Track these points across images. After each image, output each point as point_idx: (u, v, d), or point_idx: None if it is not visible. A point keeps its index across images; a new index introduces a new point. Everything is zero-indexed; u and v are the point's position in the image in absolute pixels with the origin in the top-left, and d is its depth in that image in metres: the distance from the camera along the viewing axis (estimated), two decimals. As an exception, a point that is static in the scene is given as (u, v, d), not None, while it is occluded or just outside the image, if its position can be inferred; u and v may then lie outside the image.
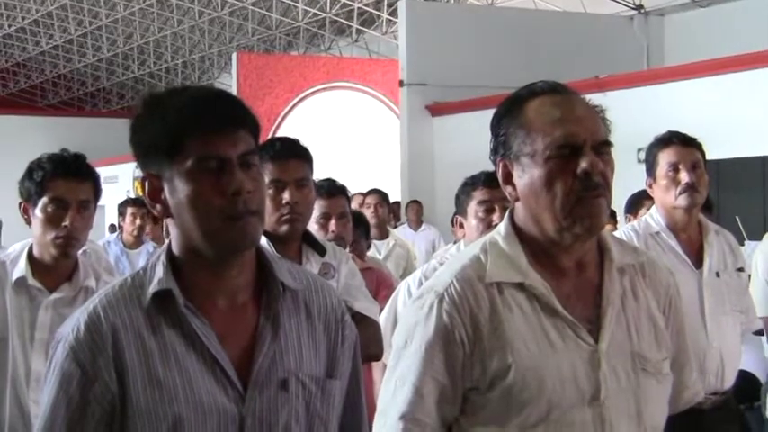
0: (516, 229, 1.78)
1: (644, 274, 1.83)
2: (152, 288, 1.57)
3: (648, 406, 1.75)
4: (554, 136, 1.68)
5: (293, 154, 2.73)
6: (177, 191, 1.54)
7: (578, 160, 1.67)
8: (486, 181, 3.13)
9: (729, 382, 3.27)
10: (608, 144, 1.72)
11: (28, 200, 2.65)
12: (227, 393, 1.56)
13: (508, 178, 1.77)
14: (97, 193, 2.68)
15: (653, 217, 3.35)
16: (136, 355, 1.54)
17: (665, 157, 3.27)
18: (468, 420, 1.74)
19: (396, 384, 1.75)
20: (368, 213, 6.52)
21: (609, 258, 1.78)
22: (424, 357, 1.71)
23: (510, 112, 1.77)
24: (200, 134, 1.53)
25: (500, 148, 1.77)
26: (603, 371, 1.70)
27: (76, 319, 1.57)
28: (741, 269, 3.40)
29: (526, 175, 1.72)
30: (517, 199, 1.76)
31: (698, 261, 3.27)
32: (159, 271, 1.58)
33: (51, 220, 2.60)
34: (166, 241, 1.64)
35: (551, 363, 1.69)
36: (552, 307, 1.71)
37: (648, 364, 1.76)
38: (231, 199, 1.53)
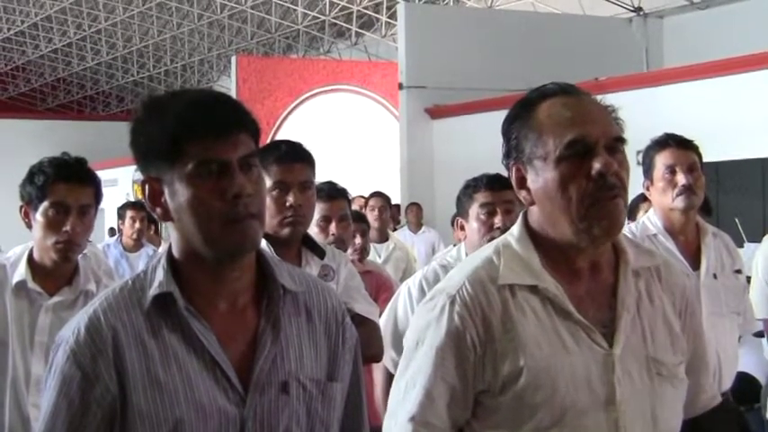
0: (530, 232, 1.76)
1: (660, 277, 1.81)
2: (153, 291, 1.57)
3: (664, 410, 1.73)
4: (566, 137, 1.66)
5: (298, 157, 2.73)
6: (178, 194, 1.54)
7: (592, 161, 1.65)
8: (489, 183, 3.13)
9: (727, 383, 3.27)
10: (621, 140, 1.70)
11: (29, 203, 2.64)
12: (227, 396, 1.55)
13: (522, 182, 1.75)
14: (98, 197, 2.68)
15: (650, 219, 3.35)
16: (136, 357, 1.54)
17: (661, 160, 3.27)
18: (480, 424, 1.72)
19: (406, 386, 1.74)
20: (371, 216, 6.52)
21: (624, 261, 1.76)
22: (434, 359, 1.70)
23: (521, 116, 1.74)
24: (200, 138, 1.52)
25: (512, 152, 1.75)
26: (618, 375, 1.68)
27: (77, 323, 1.57)
28: (739, 271, 3.39)
29: (540, 179, 1.70)
30: (532, 203, 1.74)
31: (695, 263, 3.27)
32: (160, 274, 1.58)
33: (52, 225, 2.60)
34: (164, 244, 1.64)
35: (565, 366, 1.66)
36: (566, 310, 1.69)
37: (664, 369, 1.74)
38: (232, 202, 1.52)
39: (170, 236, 1.62)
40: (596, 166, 1.65)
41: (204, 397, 1.54)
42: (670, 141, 3.28)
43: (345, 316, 1.74)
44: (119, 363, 1.53)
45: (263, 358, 1.58)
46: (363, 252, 4.47)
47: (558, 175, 1.67)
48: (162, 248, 1.78)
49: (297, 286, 1.66)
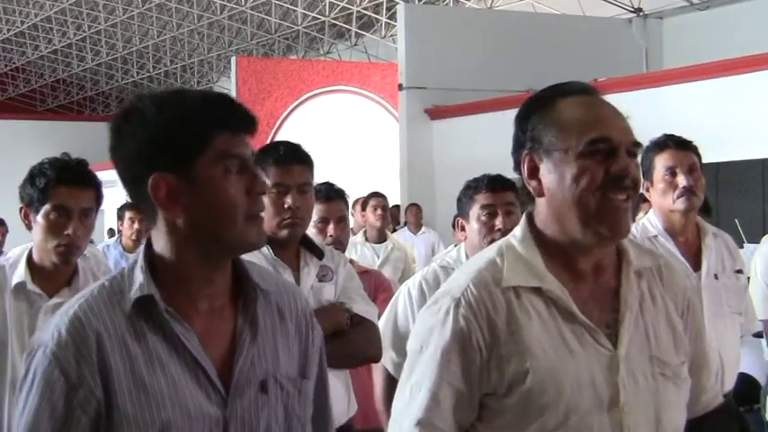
0: (533, 232, 1.77)
1: (661, 277, 1.82)
2: (133, 294, 1.55)
3: (668, 411, 1.74)
4: (591, 134, 1.68)
5: (296, 159, 2.72)
6: (197, 189, 1.52)
7: (612, 162, 1.67)
8: (490, 184, 3.12)
9: (729, 384, 3.27)
10: (639, 145, 1.72)
11: (29, 205, 2.63)
12: (209, 397, 1.55)
13: (534, 173, 1.75)
14: (99, 200, 2.67)
15: (650, 220, 3.35)
16: (120, 361, 1.52)
17: (661, 161, 3.26)
18: (486, 426, 1.72)
19: (411, 390, 1.73)
20: (374, 216, 6.50)
21: (626, 261, 1.77)
22: (440, 363, 1.70)
23: (541, 108, 1.75)
24: (228, 133, 1.54)
25: (528, 142, 1.75)
26: (622, 376, 1.69)
27: (55, 326, 1.54)
28: (740, 271, 3.39)
29: (556, 171, 1.70)
30: (541, 194, 1.74)
31: (696, 264, 3.27)
32: (139, 276, 1.56)
33: (53, 228, 2.59)
34: (142, 244, 1.62)
35: (569, 368, 1.67)
36: (570, 311, 1.70)
37: (667, 369, 1.74)
38: (255, 199, 1.55)
39: (161, 235, 1.57)
40: (618, 166, 1.67)
41: (189, 399, 1.53)
42: (669, 142, 3.28)
43: (312, 316, 1.76)
44: (103, 367, 1.51)
45: (243, 358, 1.58)
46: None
47: (577, 168, 1.68)
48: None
49: (268, 286, 1.67)
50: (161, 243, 1.58)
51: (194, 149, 1.52)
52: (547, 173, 1.72)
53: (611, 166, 1.66)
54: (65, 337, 1.52)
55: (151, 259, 1.59)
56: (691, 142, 3.31)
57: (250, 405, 1.58)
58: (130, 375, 1.52)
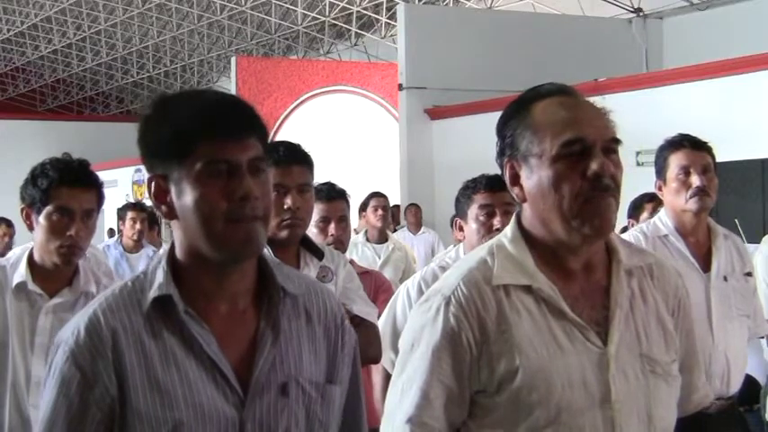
0: (523, 232, 1.78)
1: (652, 275, 1.83)
2: (152, 293, 1.56)
3: (659, 408, 1.75)
4: (563, 136, 1.68)
5: (296, 159, 2.71)
6: (184, 193, 1.54)
7: (588, 162, 1.67)
8: (488, 185, 3.12)
9: (735, 386, 3.25)
10: (617, 141, 1.72)
11: (31, 206, 2.63)
12: (226, 398, 1.55)
13: (515, 179, 1.76)
14: (101, 200, 2.68)
15: (661, 220, 3.34)
16: (136, 359, 1.53)
17: (675, 161, 3.25)
18: (477, 424, 1.73)
19: (402, 388, 1.75)
20: (374, 216, 6.49)
21: (617, 260, 1.78)
22: (431, 361, 1.71)
23: (517, 114, 1.76)
24: (212, 139, 1.53)
25: (507, 149, 1.76)
26: (612, 373, 1.70)
27: (76, 323, 1.57)
28: (749, 273, 3.38)
29: (534, 176, 1.71)
30: (524, 200, 1.76)
31: (706, 265, 3.26)
32: (159, 276, 1.58)
33: (56, 229, 2.59)
34: (164, 245, 1.64)
35: (560, 365, 1.68)
36: (560, 309, 1.70)
37: (658, 367, 1.75)
38: (238, 204, 1.52)
39: (174, 235, 1.61)
40: (593, 167, 1.66)
41: (204, 399, 1.54)
42: (684, 142, 3.27)
43: (344, 318, 1.74)
44: (118, 364, 1.53)
45: (263, 360, 1.58)
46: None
47: (552, 173, 1.68)
48: (162, 249, 1.78)
49: (296, 289, 1.66)
50: (176, 243, 1.61)
51: (178, 154, 1.53)
52: (526, 179, 1.74)
53: (587, 168, 1.67)
54: (83, 334, 1.54)
55: (175, 260, 1.60)
56: (705, 143, 3.29)
57: (269, 407, 1.58)
58: (145, 374, 1.53)
